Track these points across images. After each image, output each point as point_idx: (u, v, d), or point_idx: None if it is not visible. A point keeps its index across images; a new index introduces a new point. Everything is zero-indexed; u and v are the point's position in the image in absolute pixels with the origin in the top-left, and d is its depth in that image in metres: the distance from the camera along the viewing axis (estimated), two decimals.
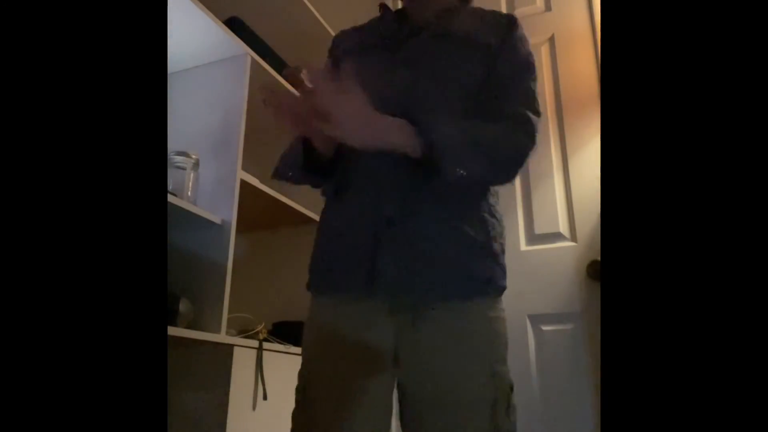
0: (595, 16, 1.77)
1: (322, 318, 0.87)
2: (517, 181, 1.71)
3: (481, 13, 0.97)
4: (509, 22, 0.94)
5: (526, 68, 0.91)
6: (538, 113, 0.88)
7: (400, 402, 0.84)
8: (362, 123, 0.74)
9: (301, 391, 0.85)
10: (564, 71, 1.77)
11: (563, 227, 1.62)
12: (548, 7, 1.87)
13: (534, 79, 0.91)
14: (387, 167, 0.83)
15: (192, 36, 1.44)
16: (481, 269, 0.82)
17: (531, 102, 0.88)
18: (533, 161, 1.69)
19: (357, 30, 1.04)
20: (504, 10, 1.93)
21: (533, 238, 1.66)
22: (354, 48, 0.99)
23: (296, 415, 0.84)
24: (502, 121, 0.84)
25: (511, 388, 0.80)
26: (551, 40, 1.83)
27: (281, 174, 0.93)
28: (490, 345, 0.81)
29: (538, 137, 0.86)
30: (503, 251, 0.87)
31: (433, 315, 0.79)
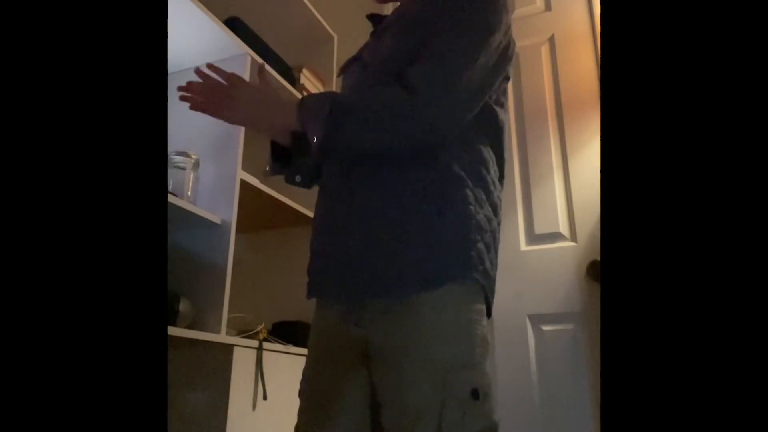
0: (595, 16, 1.77)
1: (312, 323, 0.90)
2: (517, 181, 1.71)
3: None
4: None
5: (445, 22, 0.79)
6: (443, 66, 0.76)
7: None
8: (244, 107, 0.83)
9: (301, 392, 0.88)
10: (564, 71, 1.77)
11: (563, 227, 1.62)
12: (548, 7, 1.87)
13: (456, 24, 0.79)
14: (347, 171, 0.83)
15: (192, 36, 1.44)
16: (425, 263, 0.74)
17: (434, 54, 0.77)
18: (533, 161, 1.70)
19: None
20: None
21: (533, 238, 1.65)
22: (345, 65, 1.02)
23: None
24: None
25: (477, 395, 0.71)
26: (551, 40, 1.83)
27: (267, 172, 0.97)
28: (442, 348, 0.72)
29: (444, 92, 0.75)
30: (468, 239, 0.76)
31: (379, 315, 0.76)
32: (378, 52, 0.89)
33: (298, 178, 0.89)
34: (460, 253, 0.76)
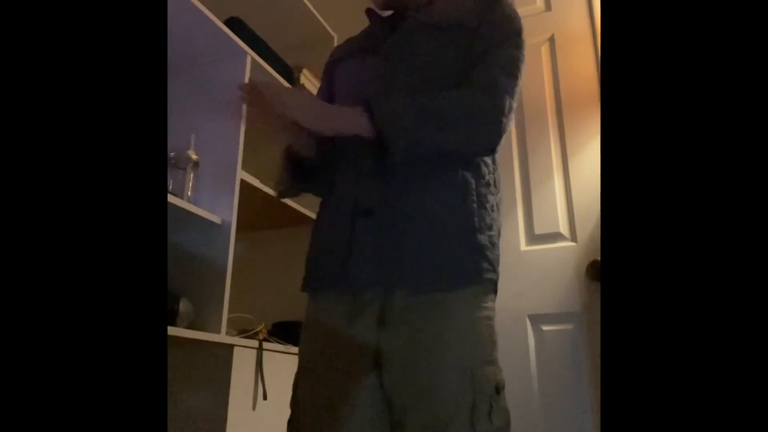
0: (595, 16, 1.77)
1: (310, 317, 0.87)
2: (517, 181, 1.71)
3: None
4: (491, 1, 0.92)
5: (505, 39, 0.88)
6: (513, 76, 0.84)
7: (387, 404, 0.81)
8: (311, 108, 0.78)
9: (293, 391, 0.84)
10: (564, 71, 1.77)
11: (563, 227, 1.62)
12: (548, 7, 1.87)
13: (517, 46, 0.88)
14: (365, 157, 0.83)
15: (192, 36, 1.44)
16: (459, 261, 0.78)
17: (504, 65, 0.85)
18: (533, 161, 1.70)
19: (349, 40, 1.07)
20: None
21: (533, 238, 1.65)
22: (343, 55, 1.01)
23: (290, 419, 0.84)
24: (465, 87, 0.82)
25: (498, 390, 0.75)
26: (551, 40, 1.83)
27: (284, 192, 0.97)
28: (471, 345, 0.76)
29: (512, 102, 0.83)
30: (493, 244, 0.83)
31: (410, 311, 0.76)
32: (416, 52, 0.89)
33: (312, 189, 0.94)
34: (488, 255, 0.81)
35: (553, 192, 1.66)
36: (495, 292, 0.84)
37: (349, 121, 0.78)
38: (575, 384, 1.48)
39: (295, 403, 0.84)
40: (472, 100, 0.80)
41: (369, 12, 1.03)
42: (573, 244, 1.59)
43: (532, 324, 1.58)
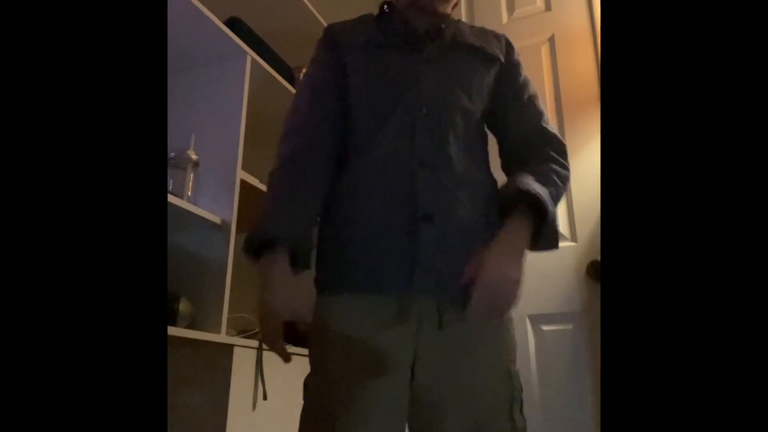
0: (595, 16, 1.77)
1: (341, 319, 0.82)
2: None
3: (479, 28, 1.02)
4: (507, 42, 1.00)
5: (529, 85, 0.98)
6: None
7: (411, 407, 0.80)
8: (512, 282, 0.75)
9: (316, 398, 0.80)
10: (564, 71, 1.77)
11: (563, 227, 1.62)
12: (548, 7, 1.87)
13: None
14: (419, 164, 0.83)
15: (192, 36, 1.44)
16: None
17: (544, 117, 0.95)
18: None
19: (356, 25, 1.00)
20: (504, 9, 1.93)
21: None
22: (364, 44, 0.95)
23: (307, 422, 0.80)
24: (538, 150, 0.90)
25: (521, 387, 0.82)
26: (551, 40, 1.83)
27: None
28: (505, 345, 0.83)
29: None
30: None
31: (458, 315, 0.78)
32: (462, 66, 0.93)
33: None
34: None
35: None
36: None
37: (522, 241, 0.80)
38: (575, 384, 1.48)
39: (316, 405, 0.80)
40: (561, 175, 0.88)
41: (391, 6, 0.99)
42: (573, 244, 1.59)
43: (532, 324, 1.58)
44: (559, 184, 0.86)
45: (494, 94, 0.94)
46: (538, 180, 0.83)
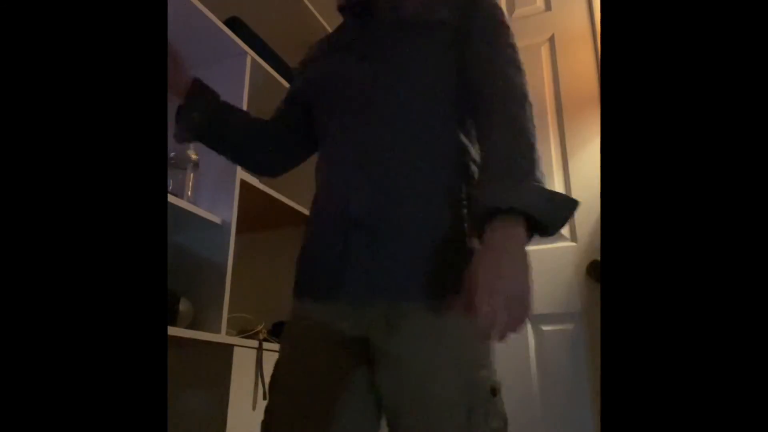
0: (595, 16, 1.77)
1: (297, 323, 0.84)
2: None
3: None
4: None
5: (499, 36, 0.85)
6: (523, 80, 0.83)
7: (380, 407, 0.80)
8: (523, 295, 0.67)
9: (270, 396, 0.81)
10: (564, 71, 1.77)
11: (563, 227, 1.62)
12: (548, 7, 1.87)
13: (513, 46, 0.85)
14: (356, 166, 0.81)
15: (192, 36, 1.44)
16: (453, 267, 0.76)
17: (512, 90, 0.82)
18: None
19: (328, 35, 1.04)
20: (504, 9, 1.93)
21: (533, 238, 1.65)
22: (318, 54, 0.99)
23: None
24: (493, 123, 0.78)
25: (494, 393, 0.74)
26: (551, 40, 1.83)
27: (179, 135, 0.99)
28: (467, 348, 0.75)
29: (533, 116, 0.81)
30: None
31: (407, 316, 0.75)
32: (396, 52, 0.86)
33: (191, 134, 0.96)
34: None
35: None
36: None
37: (516, 242, 0.69)
38: (575, 384, 1.48)
39: (272, 409, 0.80)
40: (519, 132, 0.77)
41: (339, 8, 0.99)
42: (573, 244, 1.59)
43: (532, 324, 1.58)
44: (531, 143, 0.75)
45: (458, 59, 0.85)
46: (510, 151, 0.73)
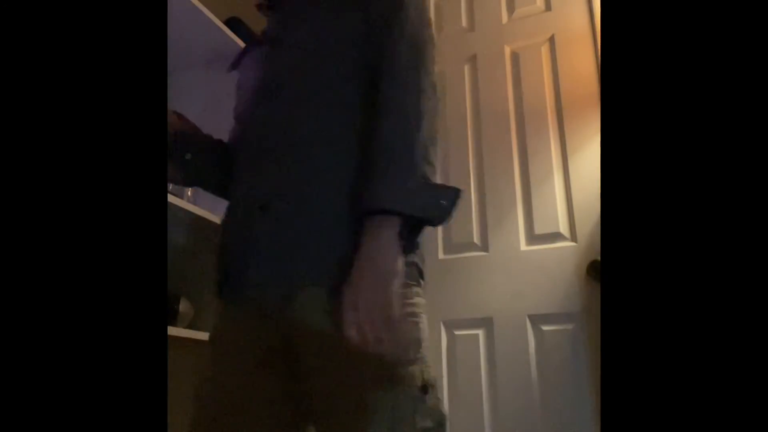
0: (595, 16, 1.77)
1: (218, 322, 0.82)
2: (517, 181, 1.71)
3: None
4: None
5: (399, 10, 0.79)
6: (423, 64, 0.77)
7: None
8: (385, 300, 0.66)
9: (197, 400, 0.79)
10: (564, 71, 1.77)
11: (563, 227, 1.62)
12: (548, 7, 1.87)
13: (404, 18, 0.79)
14: (261, 152, 0.80)
15: (192, 36, 1.44)
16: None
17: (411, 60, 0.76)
18: (533, 161, 1.70)
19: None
20: (504, 9, 1.93)
21: (533, 238, 1.65)
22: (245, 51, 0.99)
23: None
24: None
25: (425, 390, 0.69)
26: (551, 40, 1.83)
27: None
28: (387, 344, 0.68)
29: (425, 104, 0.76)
30: None
31: (310, 305, 0.71)
32: (298, 36, 0.84)
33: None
34: None
35: (553, 192, 1.66)
36: (419, 281, 0.77)
37: (385, 242, 0.68)
38: (575, 384, 1.48)
39: (198, 410, 0.78)
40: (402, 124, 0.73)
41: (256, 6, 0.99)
42: (573, 244, 1.59)
43: (532, 324, 1.58)
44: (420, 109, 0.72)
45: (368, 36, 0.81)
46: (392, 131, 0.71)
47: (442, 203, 0.70)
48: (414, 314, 0.73)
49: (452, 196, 0.71)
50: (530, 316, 1.59)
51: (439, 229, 1.74)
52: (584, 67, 1.74)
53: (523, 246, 1.66)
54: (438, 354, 1.65)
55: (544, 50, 1.82)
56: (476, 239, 1.70)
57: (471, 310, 1.65)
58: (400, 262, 0.68)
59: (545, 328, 1.57)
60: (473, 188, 1.74)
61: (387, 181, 0.70)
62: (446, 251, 1.74)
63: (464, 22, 1.96)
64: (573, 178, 1.65)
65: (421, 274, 0.78)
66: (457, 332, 1.66)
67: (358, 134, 0.77)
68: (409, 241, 0.72)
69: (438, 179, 0.73)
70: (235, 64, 0.98)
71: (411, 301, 0.74)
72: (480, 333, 1.63)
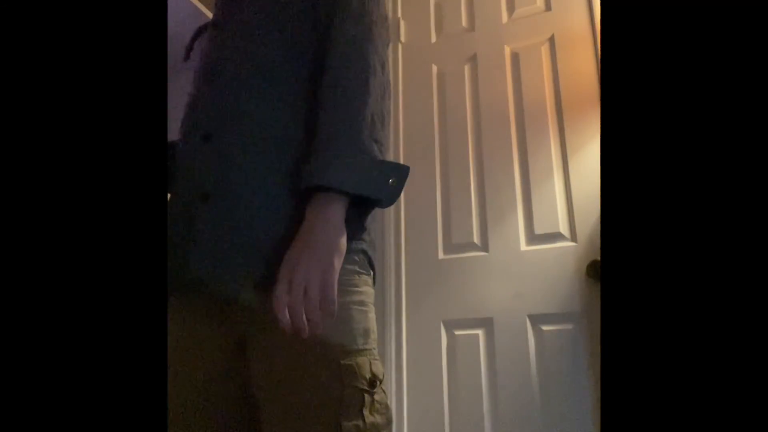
0: (595, 16, 1.77)
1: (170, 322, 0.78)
2: (517, 181, 1.71)
3: None
4: None
5: None
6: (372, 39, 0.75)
7: None
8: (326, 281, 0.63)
9: None
10: (564, 71, 1.77)
11: (563, 227, 1.62)
12: (548, 7, 1.87)
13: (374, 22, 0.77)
14: (202, 139, 0.76)
15: (192, 36, 1.44)
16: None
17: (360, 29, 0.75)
18: (533, 161, 1.70)
19: None
20: (504, 9, 1.93)
21: (533, 238, 1.65)
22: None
23: None
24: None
25: (374, 383, 0.66)
26: (551, 40, 1.83)
27: None
28: (338, 334, 0.66)
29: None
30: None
31: (266, 301, 0.66)
32: (244, 13, 0.81)
33: None
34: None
35: (553, 192, 1.66)
36: (369, 270, 0.74)
37: (338, 243, 0.64)
38: (575, 384, 1.48)
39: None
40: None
41: None
42: (573, 244, 1.59)
43: (532, 324, 1.58)
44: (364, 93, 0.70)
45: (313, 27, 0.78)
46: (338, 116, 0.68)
47: (390, 182, 0.67)
48: (362, 302, 0.70)
49: (401, 173, 0.68)
50: (530, 316, 1.59)
51: (439, 229, 1.74)
52: (584, 67, 1.74)
53: (523, 246, 1.66)
54: (438, 354, 1.65)
55: (544, 50, 1.82)
56: (476, 239, 1.71)
57: (471, 311, 1.65)
58: (342, 241, 0.65)
59: (545, 328, 1.57)
60: (473, 188, 1.74)
61: (328, 156, 0.67)
62: (446, 251, 1.74)
63: (464, 22, 1.96)
64: (573, 178, 1.65)
65: (371, 263, 0.75)
66: (457, 332, 1.66)
67: (304, 115, 0.74)
68: (356, 223, 0.69)
69: (391, 158, 0.71)
70: (187, 55, 0.96)
71: (359, 289, 0.71)
72: (480, 333, 1.63)
